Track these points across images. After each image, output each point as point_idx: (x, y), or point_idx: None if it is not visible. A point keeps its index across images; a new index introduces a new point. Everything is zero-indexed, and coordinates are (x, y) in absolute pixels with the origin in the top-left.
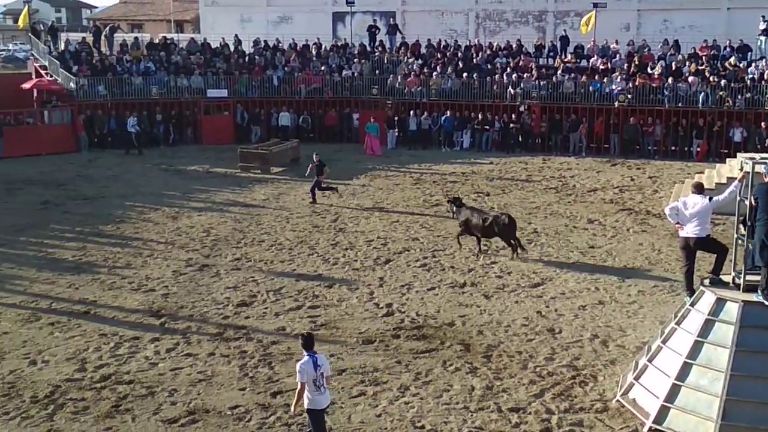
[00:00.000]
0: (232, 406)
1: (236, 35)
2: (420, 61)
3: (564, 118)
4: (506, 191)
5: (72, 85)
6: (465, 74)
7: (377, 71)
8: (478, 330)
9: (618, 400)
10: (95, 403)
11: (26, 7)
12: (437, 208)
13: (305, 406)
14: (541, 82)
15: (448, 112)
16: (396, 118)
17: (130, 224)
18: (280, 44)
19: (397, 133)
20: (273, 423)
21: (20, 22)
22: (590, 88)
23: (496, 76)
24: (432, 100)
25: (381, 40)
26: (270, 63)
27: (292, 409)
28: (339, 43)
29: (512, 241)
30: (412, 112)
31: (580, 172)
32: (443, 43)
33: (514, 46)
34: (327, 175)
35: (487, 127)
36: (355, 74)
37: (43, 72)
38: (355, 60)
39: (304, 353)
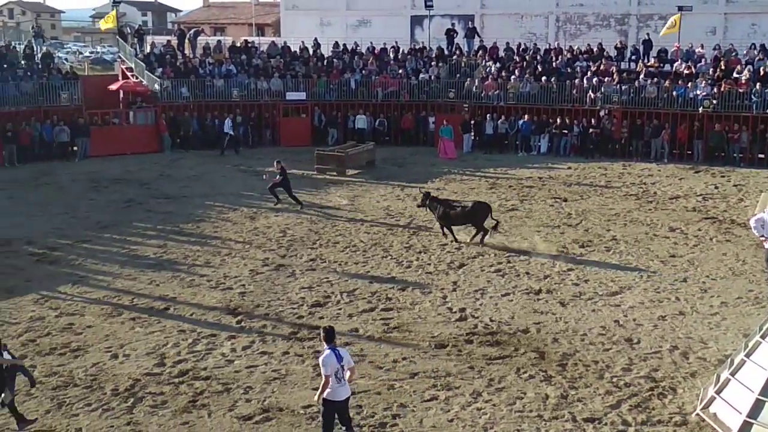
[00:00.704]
0: (305, 406)
1: (315, 39)
2: (498, 65)
3: (646, 123)
4: (584, 197)
5: (156, 86)
6: (543, 78)
7: (454, 75)
8: (554, 338)
9: (698, 414)
10: (173, 398)
11: (114, 10)
12: (513, 213)
13: (323, 396)
14: (623, 87)
15: (526, 116)
16: (472, 122)
17: (210, 223)
18: (358, 48)
19: (473, 137)
20: None
21: (108, 24)
22: (674, 93)
23: (576, 80)
24: (509, 104)
25: (459, 44)
26: (348, 66)
27: (316, 399)
28: (416, 47)
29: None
30: (488, 116)
31: (662, 178)
32: (522, 46)
33: (595, 49)
34: (278, 182)
35: (566, 132)
36: (432, 77)
37: (129, 74)
38: (433, 63)
39: (325, 346)
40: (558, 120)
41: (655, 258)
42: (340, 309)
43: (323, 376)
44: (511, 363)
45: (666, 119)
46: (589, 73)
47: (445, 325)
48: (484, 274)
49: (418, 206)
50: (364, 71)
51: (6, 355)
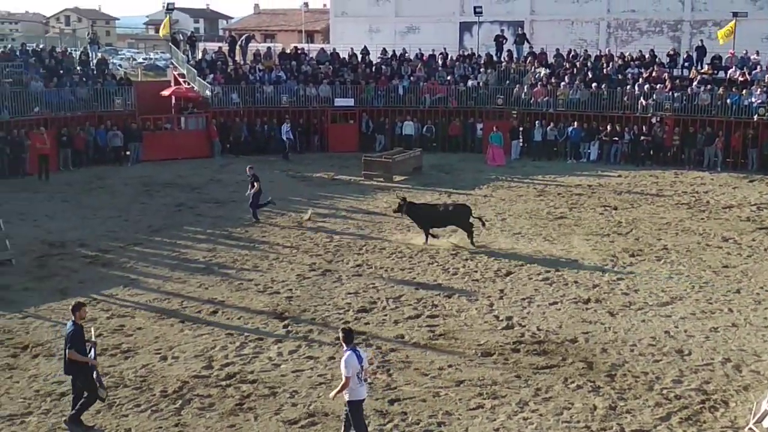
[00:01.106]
0: None
1: (364, 45)
2: (547, 71)
3: (698, 131)
4: (635, 206)
5: (207, 92)
6: (594, 84)
7: (503, 81)
8: (602, 348)
9: (750, 429)
10: (220, 401)
11: (167, 17)
12: (562, 221)
13: (346, 398)
14: (675, 94)
15: (575, 123)
16: (521, 129)
17: (258, 228)
18: (406, 54)
19: (521, 144)
20: (390, 430)
21: (161, 31)
22: (727, 101)
23: (627, 86)
24: (558, 111)
25: (508, 50)
26: (396, 72)
27: (331, 396)
28: (465, 53)
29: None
30: (537, 123)
31: (715, 187)
32: (572, 52)
33: (647, 56)
34: (257, 190)
35: (616, 139)
36: (481, 84)
37: (181, 80)
38: (481, 70)
39: (345, 347)
40: (608, 127)
41: (707, 268)
42: (385, 315)
43: (343, 377)
44: (559, 373)
45: (719, 127)
46: (640, 79)
47: (492, 333)
48: (531, 283)
49: (394, 212)
50: (412, 77)
51: (91, 353)
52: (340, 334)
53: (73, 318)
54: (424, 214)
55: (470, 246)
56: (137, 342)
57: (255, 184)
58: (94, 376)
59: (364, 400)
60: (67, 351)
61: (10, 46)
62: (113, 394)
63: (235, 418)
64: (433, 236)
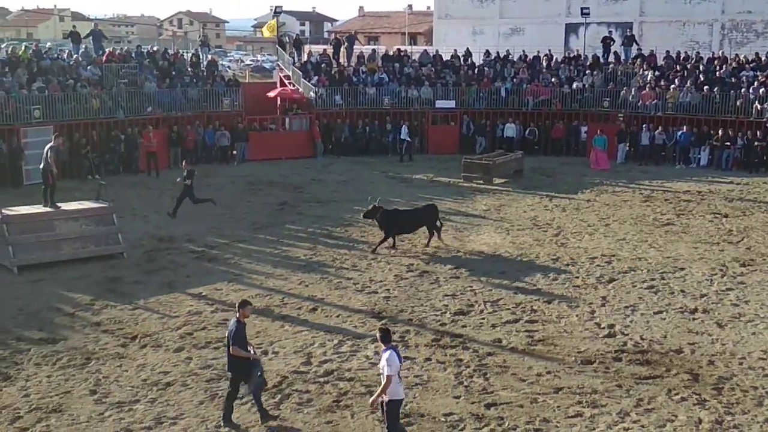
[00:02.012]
0: (446, 413)
1: (467, 47)
2: (656, 73)
3: None
4: (747, 213)
5: (312, 94)
6: (706, 87)
7: (609, 83)
8: (709, 360)
9: None
10: (318, 397)
11: (275, 20)
12: (668, 228)
13: (386, 398)
14: None
15: (685, 127)
16: (627, 132)
17: (357, 228)
18: (510, 56)
19: (627, 148)
20: None
21: (267, 32)
22: None
23: (742, 90)
24: (667, 114)
25: (615, 52)
26: (499, 74)
27: (371, 401)
28: (571, 55)
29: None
30: (644, 126)
31: None
32: (683, 54)
33: (763, 58)
34: (189, 186)
35: (728, 144)
36: (586, 86)
37: (286, 81)
38: (587, 72)
39: (383, 347)
40: (720, 132)
41: None
42: (483, 318)
43: (385, 377)
44: (662, 384)
45: None
46: (755, 83)
47: (593, 341)
48: (635, 290)
49: (365, 216)
50: (515, 79)
51: (251, 350)
52: (378, 334)
53: (237, 315)
54: (396, 221)
55: (441, 244)
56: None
57: (188, 180)
58: (257, 373)
59: (403, 400)
60: (230, 348)
61: (126, 48)
62: (216, 385)
63: (332, 415)
64: (392, 245)
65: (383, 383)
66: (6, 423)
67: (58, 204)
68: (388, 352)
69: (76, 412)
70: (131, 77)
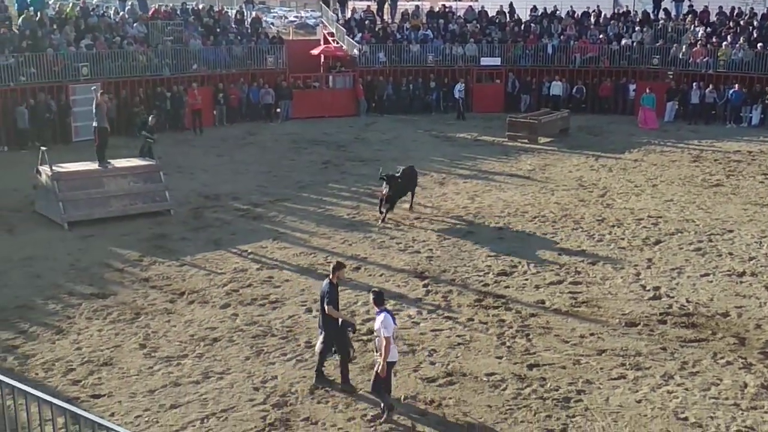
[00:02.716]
0: (489, 373)
1: (511, 3)
2: (708, 30)
3: None
4: None
5: (355, 51)
6: (759, 45)
7: (659, 40)
8: (756, 324)
9: None
10: (361, 354)
11: None
12: (718, 189)
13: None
14: None
15: (737, 86)
16: (677, 90)
17: None
18: (557, 12)
19: (676, 107)
20: (528, 395)
21: None
22: None
23: None
24: (719, 72)
25: (666, 8)
26: (546, 31)
27: (379, 367)
28: (620, 11)
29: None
30: (695, 84)
31: None
32: (736, 10)
33: None
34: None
35: None
36: (635, 43)
37: (330, 39)
38: (636, 28)
39: (377, 309)
40: None
41: None
42: (526, 279)
43: (384, 339)
44: (708, 347)
45: None
46: None
47: (637, 303)
48: (682, 252)
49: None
50: (562, 36)
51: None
52: (371, 296)
53: (330, 276)
54: (398, 187)
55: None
56: (285, 293)
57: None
58: (349, 334)
59: (396, 362)
60: (325, 307)
61: (171, 5)
62: (261, 342)
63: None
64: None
65: (384, 345)
66: (59, 375)
67: (109, 161)
68: (383, 314)
69: (126, 366)
70: (176, 34)
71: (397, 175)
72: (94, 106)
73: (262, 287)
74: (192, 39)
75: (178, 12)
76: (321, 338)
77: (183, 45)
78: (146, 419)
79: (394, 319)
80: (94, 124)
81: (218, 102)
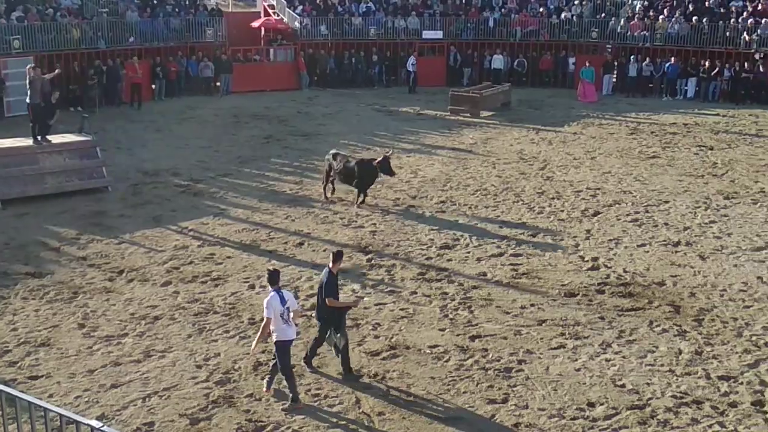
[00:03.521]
0: (432, 345)
1: None
2: (646, 3)
3: None
4: (732, 146)
5: (296, 24)
6: (694, 18)
7: (598, 14)
8: (690, 292)
9: None
10: (305, 330)
11: None
12: (654, 161)
13: (273, 340)
14: None
15: (673, 59)
16: (615, 64)
17: None
18: None
19: (614, 79)
20: (471, 366)
21: None
22: None
23: (730, 20)
24: (656, 45)
25: None
26: (487, 4)
27: (253, 345)
28: None
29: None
30: (632, 58)
31: None
32: None
33: None
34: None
35: (716, 76)
36: (575, 17)
37: (270, 11)
38: (576, 2)
39: (269, 288)
40: (707, 63)
41: None
42: (468, 252)
43: (264, 318)
44: (644, 315)
45: None
46: (744, 13)
47: (576, 274)
48: (619, 224)
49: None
50: (503, 10)
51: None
52: (266, 275)
53: (329, 266)
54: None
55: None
56: (227, 270)
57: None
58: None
59: (291, 341)
60: (325, 299)
61: None
62: (203, 319)
63: (320, 348)
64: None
65: (263, 325)
66: None
67: (48, 138)
68: (271, 294)
69: (64, 346)
70: (112, 6)
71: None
72: (27, 82)
73: (203, 264)
74: (128, 11)
75: None
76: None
77: (119, 17)
78: (86, 399)
79: (283, 301)
80: (27, 100)
81: (157, 76)
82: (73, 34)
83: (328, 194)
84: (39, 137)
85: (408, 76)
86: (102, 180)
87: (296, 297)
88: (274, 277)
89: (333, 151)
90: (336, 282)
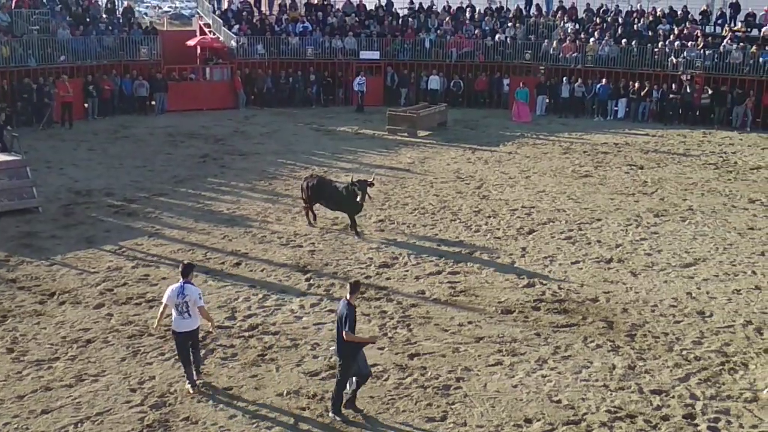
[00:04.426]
0: (371, 364)
1: None
2: (576, 26)
3: (729, 90)
4: (661, 165)
5: (233, 43)
6: (624, 41)
7: (531, 36)
8: (623, 308)
9: None
10: (243, 351)
11: None
12: (586, 180)
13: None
14: (707, 51)
15: (604, 80)
16: (548, 85)
17: (281, 181)
18: (433, 7)
19: (547, 100)
20: (409, 384)
21: None
22: (760, 59)
23: (658, 43)
24: (587, 67)
25: (537, 3)
26: (423, 26)
27: (155, 324)
28: (493, 7)
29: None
30: (565, 79)
31: (743, 148)
32: (602, 7)
33: (679, 12)
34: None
35: (645, 97)
36: (508, 38)
37: (206, 30)
38: (509, 24)
39: (181, 280)
40: (637, 84)
41: (732, 230)
42: (407, 270)
43: (163, 303)
44: (579, 332)
45: (751, 86)
46: (671, 36)
47: (513, 291)
48: (554, 241)
49: (362, 200)
50: (439, 31)
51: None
52: (179, 268)
53: (347, 297)
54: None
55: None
56: (162, 291)
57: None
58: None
59: (183, 333)
60: (343, 333)
61: None
62: (138, 342)
63: (257, 369)
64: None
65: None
66: None
67: None
68: (176, 285)
69: None
70: (43, 24)
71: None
72: None
73: (138, 286)
74: (60, 28)
75: (44, 0)
76: (338, 366)
77: (50, 35)
78: (15, 426)
79: (181, 294)
80: None
81: (90, 94)
82: (2, 52)
83: (312, 220)
84: None
85: (356, 96)
86: (32, 200)
87: (233, 318)
88: (186, 269)
89: (310, 174)
90: (355, 315)
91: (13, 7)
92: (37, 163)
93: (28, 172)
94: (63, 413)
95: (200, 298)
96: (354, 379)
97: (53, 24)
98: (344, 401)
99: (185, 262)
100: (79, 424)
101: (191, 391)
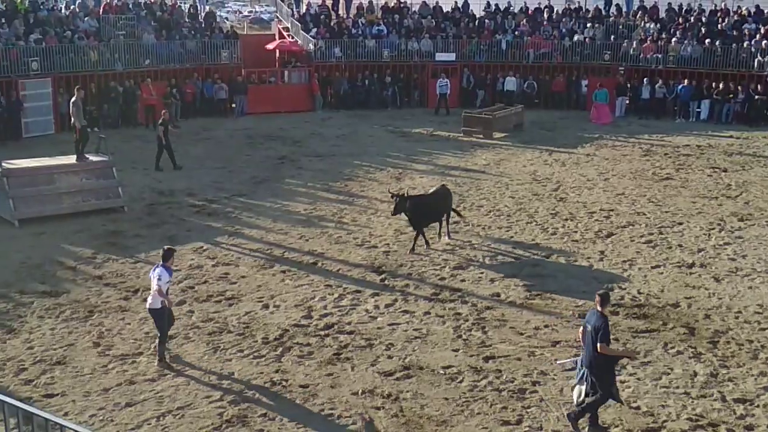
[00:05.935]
0: (445, 366)
1: None
2: (658, 26)
3: None
4: (746, 168)
5: (311, 46)
6: (707, 40)
7: (611, 36)
8: (705, 314)
9: None
10: (318, 350)
11: None
12: (667, 182)
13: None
14: None
15: (686, 81)
16: (628, 86)
17: (357, 182)
18: (511, 8)
19: (627, 102)
20: (484, 387)
21: None
22: None
23: (743, 43)
24: (668, 68)
25: (617, 4)
26: (499, 27)
27: (167, 302)
28: (572, 7)
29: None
30: (645, 80)
31: None
32: (685, 7)
33: (765, 11)
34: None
35: (729, 98)
36: (587, 39)
37: (285, 33)
38: (588, 24)
39: (160, 263)
40: (721, 85)
41: None
42: (482, 273)
43: (161, 287)
44: (659, 337)
45: None
46: (757, 36)
47: (590, 295)
48: (633, 245)
49: (393, 215)
50: (516, 32)
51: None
52: (161, 251)
53: (599, 308)
54: (425, 208)
55: (446, 238)
56: (241, 290)
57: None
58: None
59: (158, 309)
60: (598, 345)
61: None
62: (218, 338)
63: (333, 367)
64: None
65: (156, 291)
66: (11, 375)
67: (86, 156)
68: (160, 268)
69: (80, 365)
70: (129, 29)
71: (403, 195)
72: (72, 104)
73: (218, 284)
74: (145, 33)
75: (130, 6)
76: (583, 381)
77: (135, 40)
78: (101, 418)
79: (166, 274)
80: (75, 122)
81: (173, 97)
82: (90, 56)
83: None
84: (82, 155)
85: (441, 98)
86: (118, 200)
87: (309, 317)
88: (166, 254)
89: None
90: (608, 326)
91: (100, 13)
92: (123, 164)
93: (114, 173)
94: (146, 406)
95: (159, 279)
96: (584, 394)
97: (138, 29)
98: (591, 416)
99: (165, 247)
100: (161, 418)
101: (163, 366)
